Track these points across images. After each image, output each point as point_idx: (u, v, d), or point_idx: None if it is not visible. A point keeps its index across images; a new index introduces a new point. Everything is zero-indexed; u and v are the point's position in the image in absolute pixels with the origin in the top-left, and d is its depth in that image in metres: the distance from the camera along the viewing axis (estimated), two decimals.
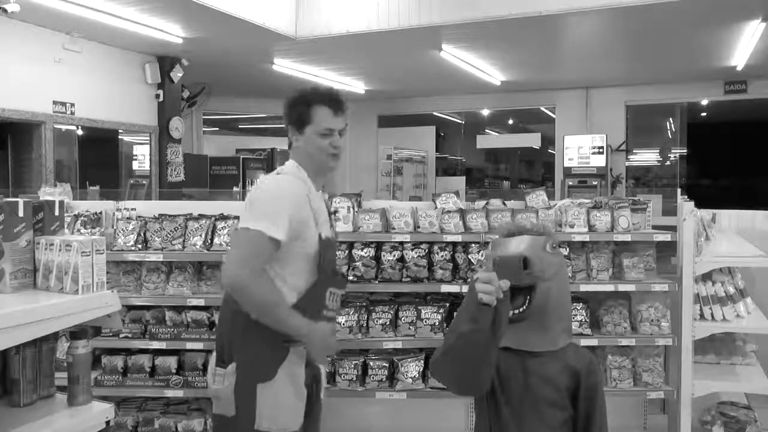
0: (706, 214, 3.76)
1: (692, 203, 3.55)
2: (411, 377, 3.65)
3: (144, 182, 8.36)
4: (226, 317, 2.23)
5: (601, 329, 3.70)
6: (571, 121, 10.66)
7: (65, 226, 2.10)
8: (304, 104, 2.22)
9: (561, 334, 1.73)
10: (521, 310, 1.64)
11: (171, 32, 6.91)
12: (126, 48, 7.81)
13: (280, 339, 2.12)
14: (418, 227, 3.76)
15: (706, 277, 3.50)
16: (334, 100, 2.23)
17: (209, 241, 3.65)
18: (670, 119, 11.52)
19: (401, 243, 3.75)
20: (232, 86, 10.27)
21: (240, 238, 2.11)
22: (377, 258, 3.74)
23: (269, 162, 10.98)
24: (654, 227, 3.99)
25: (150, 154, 8.50)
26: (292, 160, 2.28)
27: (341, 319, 3.64)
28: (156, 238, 3.71)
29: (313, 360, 2.26)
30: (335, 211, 2.48)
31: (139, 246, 3.68)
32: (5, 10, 5.41)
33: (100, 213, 3.80)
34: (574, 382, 1.70)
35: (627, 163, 10.73)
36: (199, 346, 3.59)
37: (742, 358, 3.61)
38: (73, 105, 7.20)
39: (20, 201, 1.78)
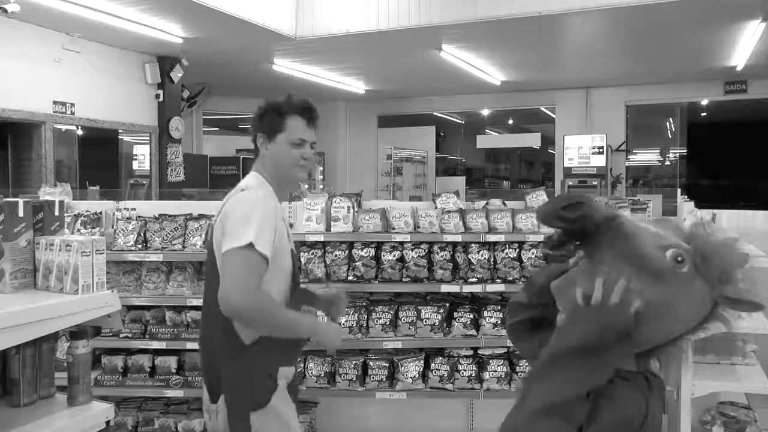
0: (706, 214, 3.76)
1: (692, 203, 3.54)
2: (411, 377, 3.65)
3: (144, 182, 8.37)
4: (217, 349, 2.14)
5: None
6: (571, 121, 10.67)
7: (65, 226, 2.10)
8: (277, 113, 2.18)
9: None
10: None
11: (171, 32, 6.91)
12: (126, 48, 7.81)
13: (273, 368, 2.10)
14: (418, 227, 3.76)
15: None
16: (308, 110, 2.20)
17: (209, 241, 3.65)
18: (670, 119, 11.52)
19: (401, 243, 3.75)
20: (232, 86, 10.27)
21: (234, 260, 1.97)
22: (377, 258, 3.74)
23: None
24: None
25: (150, 154, 8.50)
26: (254, 173, 2.23)
27: (341, 319, 3.64)
28: (156, 238, 3.71)
29: (327, 349, 2.47)
30: (291, 225, 2.39)
31: (139, 246, 3.68)
32: (5, 10, 5.41)
33: (100, 213, 3.80)
34: None
35: (627, 163, 10.73)
36: None
37: (742, 358, 3.61)
38: (73, 105, 7.20)
39: (20, 201, 1.78)
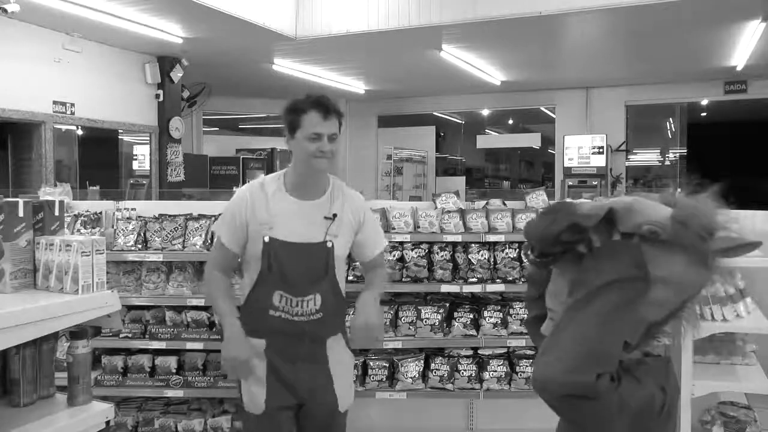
0: None
1: None
2: (411, 377, 3.65)
3: (144, 182, 8.37)
4: None
5: None
6: (571, 121, 10.67)
7: (65, 226, 2.10)
8: (295, 111, 2.32)
9: None
10: None
11: (171, 32, 6.91)
12: (126, 48, 7.81)
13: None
14: (418, 227, 3.76)
15: None
16: (323, 105, 2.29)
17: (209, 241, 3.65)
18: (670, 119, 11.52)
19: (401, 243, 3.75)
20: (232, 86, 10.27)
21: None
22: None
23: (269, 162, 10.98)
24: None
25: (150, 154, 8.50)
26: (283, 169, 2.48)
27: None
28: (156, 238, 3.71)
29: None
30: (334, 215, 2.37)
31: (139, 246, 3.68)
32: (5, 10, 5.41)
33: (100, 213, 3.80)
34: None
35: (627, 163, 10.73)
36: (199, 346, 3.59)
37: (742, 358, 3.60)
38: (73, 105, 7.20)
39: (20, 201, 1.78)
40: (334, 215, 2.36)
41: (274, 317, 2.32)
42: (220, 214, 3.78)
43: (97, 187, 7.86)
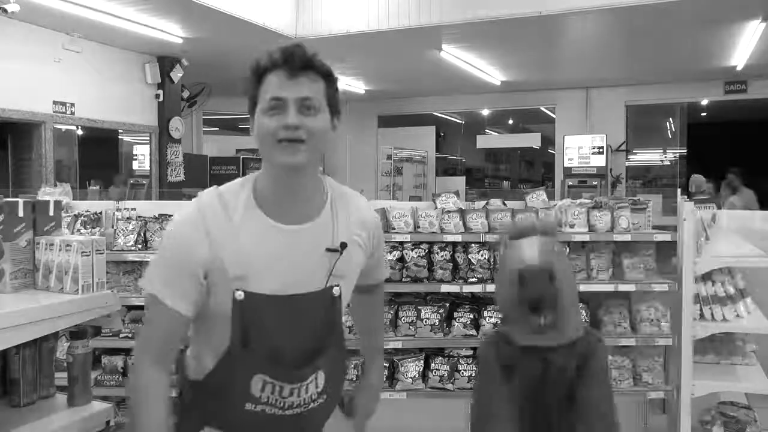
0: (706, 214, 3.76)
1: (692, 203, 3.55)
2: (411, 377, 3.64)
3: (144, 182, 8.37)
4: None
5: (601, 329, 3.69)
6: (571, 121, 10.67)
7: (63, 226, 2.09)
8: (254, 77, 1.45)
9: (576, 324, 1.77)
10: (550, 319, 1.66)
11: (171, 32, 6.91)
12: (126, 48, 7.81)
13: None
14: (418, 227, 3.76)
15: (706, 277, 3.50)
16: (288, 56, 1.40)
17: None
18: (670, 119, 11.52)
19: (401, 243, 3.75)
20: (232, 86, 10.25)
21: (146, 308, 1.51)
22: None
23: None
24: (654, 227, 3.99)
25: (150, 154, 8.50)
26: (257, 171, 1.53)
27: None
28: (156, 238, 3.71)
29: None
30: (342, 245, 1.49)
31: (139, 246, 3.68)
32: (5, 10, 5.41)
33: (100, 213, 3.80)
34: (578, 369, 1.73)
35: (627, 163, 10.73)
36: None
37: (742, 358, 3.61)
38: (73, 105, 7.20)
39: (20, 201, 1.78)
40: (343, 245, 1.49)
41: (251, 413, 1.46)
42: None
43: (98, 187, 7.88)
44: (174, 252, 1.43)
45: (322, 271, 1.48)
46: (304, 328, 1.48)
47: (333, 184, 1.58)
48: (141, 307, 3.71)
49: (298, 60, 1.40)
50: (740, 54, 7.92)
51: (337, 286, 1.50)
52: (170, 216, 3.78)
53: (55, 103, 7.01)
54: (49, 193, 3.74)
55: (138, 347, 1.50)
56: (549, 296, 1.65)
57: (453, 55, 7.90)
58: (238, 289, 1.39)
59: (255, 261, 1.41)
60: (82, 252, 1.70)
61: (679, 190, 3.89)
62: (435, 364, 3.69)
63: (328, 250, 1.48)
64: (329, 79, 1.46)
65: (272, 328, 1.43)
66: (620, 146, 10.43)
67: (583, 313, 3.64)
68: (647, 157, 11.80)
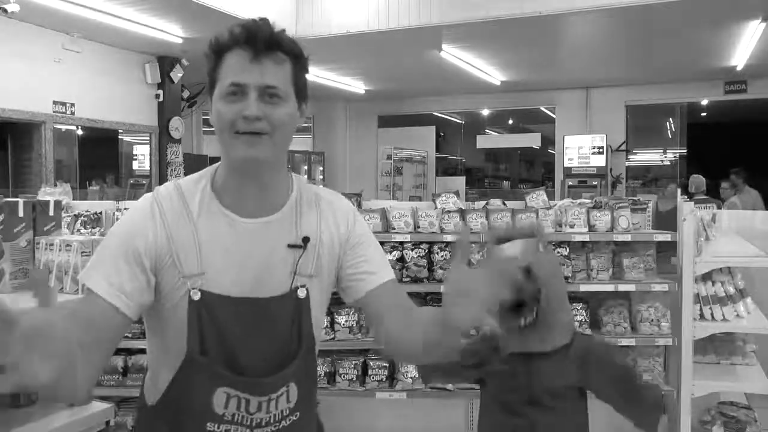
0: (706, 214, 3.76)
1: (692, 203, 3.55)
2: (411, 377, 3.64)
3: (144, 182, 8.37)
4: None
5: (601, 329, 3.70)
6: (571, 121, 10.67)
7: (63, 226, 2.10)
8: (213, 55, 1.31)
9: (564, 329, 1.74)
10: (531, 320, 1.64)
11: (171, 32, 6.92)
12: (126, 48, 7.81)
13: None
14: (418, 227, 3.76)
15: (706, 277, 3.50)
16: (251, 34, 1.25)
17: None
18: (670, 119, 11.52)
19: (401, 243, 3.75)
20: None
21: None
22: None
23: None
24: (654, 227, 3.99)
25: (150, 154, 8.50)
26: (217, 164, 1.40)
27: (341, 319, 3.64)
28: None
29: None
30: (305, 240, 1.34)
31: None
32: (5, 10, 5.41)
33: (100, 213, 3.80)
34: (581, 371, 1.71)
35: (627, 163, 10.74)
36: None
37: (742, 358, 3.61)
38: (73, 105, 7.20)
39: (20, 201, 1.78)
40: (305, 240, 1.33)
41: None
42: None
43: (97, 187, 7.88)
44: (122, 240, 1.25)
45: (285, 271, 1.32)
46: (267, 334, 1.30)
47: (302, 183, 1.42)
48: None
49: (262, 39, 1.24)
50: (740, 54, 7.92)
51: (303, 287, 1.33)
52: None
53: (55, 103, 7.01)
54: (49, 193, 3.73)
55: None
56: (527, 294, 1.62)
57: (453, 55, 7.90)
58: (194, 288, 1.25)
59: (212, 257, 1.27)
60: (82, 252, 1.70)
61: (679, 191, 3.89)
62: None
63: (290, 246, 1.32)
64: (298, 60, 1.31)
65: (233, 333, 1.27)
66: (620, 146, 10.43)
67: (583, 313, 3.65)
68: (647, 157, 11.80)
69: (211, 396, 1.25)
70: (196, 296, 1.25)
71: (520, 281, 1.55)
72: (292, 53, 1.29)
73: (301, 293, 1.33)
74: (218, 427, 1.27)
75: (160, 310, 1.28)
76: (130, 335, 3.67)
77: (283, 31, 1.30)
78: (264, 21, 1.28)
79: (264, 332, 1.30)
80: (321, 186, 1.53)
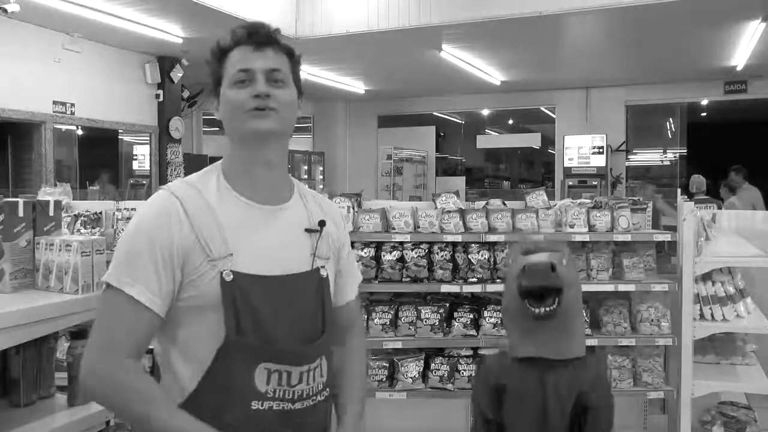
0: (706, 214, 3.76)
1: (692, 203, 3.55)
2: (411, 377, 3.64)
3: (144, 182, 8.37)
4: None
5: (601, 329, 3.70)
6: (571, 121, 10.67)
7: (63, 226, 2.10)
8: (217, 57, 1.41)
9: (580, 342, 1.78)
10: (551, 308, 1.71)
11: (171, 32, 6.92)
12: (126, 48, 7.81)
13: None
14: (418, 227, 3.76)
15: (706, 277, 3.50)
16: (253, 31, 1.38)
17: None
18: (670, 119, 11.52)
19: (401, 243, 3.75)
20: None
21: (99, 305, 1.34)
22: (377, 258, 3.74)
23: None
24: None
25: (150, 154, 8.50)
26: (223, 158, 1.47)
27: None
28: None
29: None
30: (321, 224, 1.45)
31: None
32: (5, 10, 5.41)
33: (100, 213, 3.80)
34: (581, 399, 1.72)
35: (627, 163, 10.73)
36: None
37: (742, 358, 3.61)
38: (73, 105, 7.20)
39: (20, 201, 1.78)
40: (321, 224, 1.44)
41: (259, 413, 1.30)
42: None
43: (97, 187, 7.87)
44: (147, 239, 1.28)
45: (305, 252, 1.42)
46: (297, 310, 1.37)
47: (299, 183, 1.54)
48: None
49: (263, 34, 1.38)
50: (740, 54, 7.92)
51: (323, 267, 1.44)
52: None
53: (55, 103, 7.01)
54: (49, 193, 3.73)
55: (94, 352, 1.25)
56: (550, 285, 1.70)
57: (453, 55, 7.90)
58: (225, 270, 1.28)
59: (237, 239, 1.32)
60: (82, 252, 1.70)
61: (679, 191, 3.89)
62: (435, 364, 3.69)
63: (308, 230, 1.43)
64: (292, 56, 1.44)
65: (266, 310, 1.31)
66: (620, 146, 10.43)
67: (584, 313, 3.65)
68: (647, 157, 11.80)
69: (253, 374, 1.28)
70: (229, 277, 1.28)
71: (545, 274, 1.67)
72: (287, 49, 1.42)
73: (323, 273, 1.44)
74: (262, 405, 1.30)
75: (183, 303, 1.31)
76: None
77: (278, 31, 1.42)
78: (262, 23, 1.41)
79: (293, 308, 1.36)
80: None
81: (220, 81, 1.39)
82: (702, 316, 3.45)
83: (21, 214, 1.77)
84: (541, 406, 1.70)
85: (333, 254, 1.50)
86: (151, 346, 1.37)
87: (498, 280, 3.69)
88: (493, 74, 9.38)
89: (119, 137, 8.80)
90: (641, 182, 9.52)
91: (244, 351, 1.28)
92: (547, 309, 1.69)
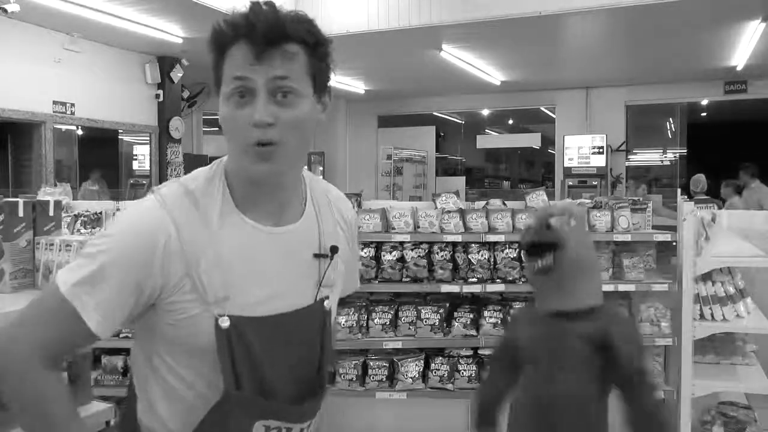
0: (706, 214, 3.76)
1: (692, 203, 3.55)
2: (411, 377, 3.65)
3: (144, 182, 8.37)
4: None
5: None
6: (571, 121, 10.67)
7: (63, 226, 2.10)
8: (216, 52, 1.14)
9: (587, 295, 1.81)
10: (546, 263, 1.78)
11: (171, 32, 6.91)
12: (126, 48, 7.81)
13: None
14: (418, 227, 3.76)
15: (706, 277, 3.50)
16: (251, 25, 1.06)
17: None
18: (670, 119, 11.52)
19: (401, 243, 3.75)
20: None
21: (41, 296, 1.13)
22: (377, 258, 3.74)
23: None
24: (654, 227, 3.99)
25: (150, 154, 8.50)
26: (221, 162, 1.23)
27: (341, 319, 3.64)
28: None
29: None
30: (333, 249, 1.24)
31: None
32: (5, 10, 5.41)
33: (100, 213, 3.80)
34: (607, 343, 1.75)
35: (627, 163, 10.73)
36: None
37: (742, 358, 3.61)
38: (73, 105, 7.20)
39: (20, 201, 1.78)
40: (333, 249, 1.24)
41: None
42: None
43: (96, 187, 7.88)
44: (123, 267, 1.05)
45: (309, 282, 1.21)
46: (297, 352, 1.19)
47: (311, 178, 1.31)
48: None
49: (263, 32, 1.05)
50: (740, 54, 7.92)
51: (327, 298, 1.23)
52: None
53: (55, 103, 7.01)
54: (49, 193, 3.73)
55: (22, 341, 1.06)
56: (541, 240, 1.77)
57: (453, 55, 7.90)
58: (221, 315, 1.08)
59: (236, 276, 1.11)
60: None
61: (679, 190, 3.89)
62: (435, 364, 3.69)
63: (316, 255, 1.21)
64: (314, 48, 1.11)
65: (264, 356, 1.13)
66: (620, 146, 10.43)
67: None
68: (647, 157, 11.80)
69: (247, 427, 1.13)
70: (225, 324, 1.09)
71: (540, 230, 1.77)
72: (304, 42, 1.10)
73: (327, 305, 1.23)
74: None
75: (166, 336, 1.12)
76: (129, 335, 3.67)
77: (294, 13, 1.11)
78: (269, 6, 1.09)
79: (293, 351, 1.18)
80: (319, 178, 1.45)
81: (218, 80, 1.13)
82: (702, 316, 3.45)
83: (21, 214, 1.77)
84: (554, 347, 1.76)
85: (342, 271, 1.30)
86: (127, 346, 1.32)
87: (498, 280, 3.69)
88: (493, 74, 9.38)
89: (119, 137, 8.80)
90: (633, 182, 9.52)
91: (242, 406, 1.12)
92: (543, 263, 1.76)
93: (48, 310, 1.09)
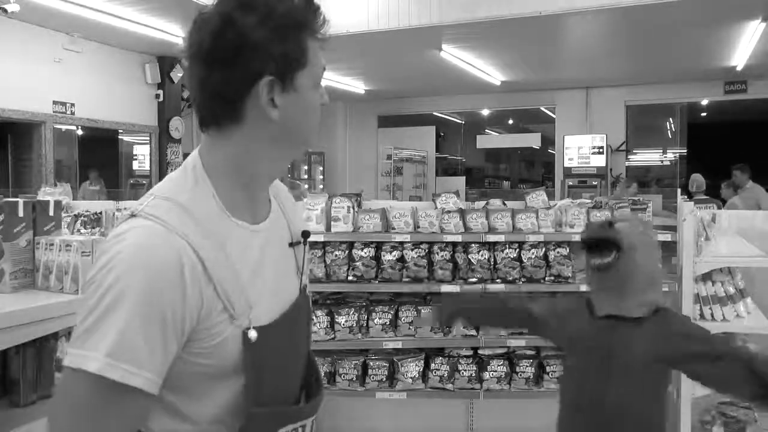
0: (706, 214, 3.76)
1: (692, 203, 3.54)
2: (411, 377, 3.65)
3: (144, 182, 8.37)
4: None
5: None
6: (571, 121, 10.67)
7: (63, 226, 2.10)
8: (295, 27, 1.05)
9: (643, 304, 1.80)
10: (606, 261, 1.76)
11: (171, 32, 6.91)
12: (126, 48, 7.81)
13: None
14: (418, 227, 3.76)
15: (706, 277, 3.50)
16: (322, 16, 1.12)
17: None
18: (670, 119, 11.52)
19: (401, 243, 3.75)
20: None
21: (65, 392, 0.93)
22: (377, 258, 3.74)
23: None
24: (654, 227, 3.99)
25: (150, 154, 8.50)
26: (190, 164, 1.07)
27: (341, 319, 3.64)
28: None
29: None
30: (305, 234, 1.21)
31: None
32: (5, 10, 5.41)
33: (100, 213, 3.80)
34: (665, 347, 1.75)
35: (627, 163, 10.73)
36: None
37: None
38: (73, 105, 7.20)
39: (20, 201, 1.78)
40: (306, 235, 1.21)
41: None
42: None
43: (97, 187, 7.88)
44: (157, 309, 0.91)
45: (292, 272, 1.17)
46: (298, 347, 1.17)
47: None
48: None
49: (325, 22, 1.12)
50: (740, 54, 7.92)
51: (306, 285, 1.21)
52: None
53: (55, 103, 7.01)
54: (49, 193, 3.74)
55: None
56: (602, 236, 1.75)
57: (453, 55, 7.90)
58: (248, 328, 1.01)
59: (252, 284, 1.04)
60: (82, 252, 1.70)
61: (679, 190, 3.89)
62: (435, 364, 3.69)
63: (291, 245, 1.17)
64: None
65: (281, 362, 1.10)
66: (620, 146, 10.44)
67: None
68: (647, 157, 11.80)
69: None
70: (253, 335, 1.01)
71: (602, 228, 1.77)
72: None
73: (308, 292, 1.22)
74: None
75: (183, 373, 0.99)
76: None
77: None
78: None
79: (296, 347, 1.16)
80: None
81: (297, 65, 1.04)
82: (702, 316, 3.45)
83: (21, 214, 1.77)
84: (610, 353, 1.74)
85: (309, 259, 1.28)
86: None
87: (498, 280, 3.69)
88: (493, 74, 9.38)
89: (119, 137, 8.80)
90: (624, 180, 9.49)
91: (265, 421, 1.05)
92: (603, 261, 1.74)
93: (86, 409, 0.90)
